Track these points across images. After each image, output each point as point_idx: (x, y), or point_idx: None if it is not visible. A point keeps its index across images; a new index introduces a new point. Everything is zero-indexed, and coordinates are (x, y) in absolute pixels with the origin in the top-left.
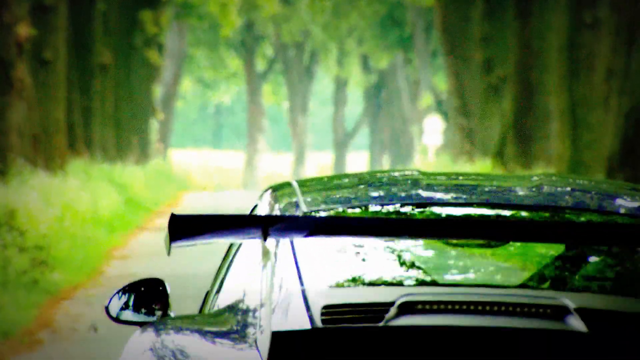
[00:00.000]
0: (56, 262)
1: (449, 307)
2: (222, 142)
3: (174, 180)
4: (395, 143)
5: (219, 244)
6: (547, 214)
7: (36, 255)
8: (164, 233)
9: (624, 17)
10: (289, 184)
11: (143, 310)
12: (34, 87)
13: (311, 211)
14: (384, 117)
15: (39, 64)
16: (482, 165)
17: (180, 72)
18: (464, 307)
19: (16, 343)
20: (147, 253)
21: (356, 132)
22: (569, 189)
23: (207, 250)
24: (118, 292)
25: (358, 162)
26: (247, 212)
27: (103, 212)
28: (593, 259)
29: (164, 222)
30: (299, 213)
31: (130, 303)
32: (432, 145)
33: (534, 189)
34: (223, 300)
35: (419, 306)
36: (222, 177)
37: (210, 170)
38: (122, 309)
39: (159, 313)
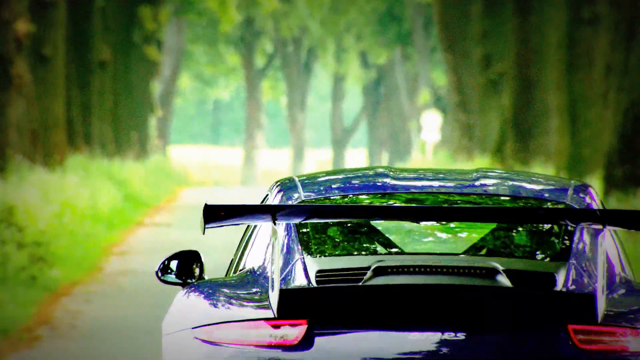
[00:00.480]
0: (55, 259)
1: (410, 270)
2: (220, 138)
3: (172, 176)
4: (394, 139)
5: (219, 242)
6: (478, 200)
7: (35, 251)
8: (162, 229)
9: (622, 13)
10: (291, 179)
11: (184, 274)
12: (33, 83)
13: (307, 200)
14: (383, 113)
15: (38, 60)
16: (481, 162)
17: (178, 68)
18: (421, 269)
19: (15, 340)
20: (146, 249)
21: (355, 129)
22: (496, 180)
23: (206, 250)
24: (164, 261)
25: (357, 158)
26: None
27: (102, 208)
28: (515, 232)
29: (163, 218)
30: (298, 202)
31: (174, 268)
32: (430, 141)
33: (471, 180)
34: (243, 267)
35: (388, 270)
36: (220, 173)
37: (209, 166)
38: (168, 273)
39: (196, 276)
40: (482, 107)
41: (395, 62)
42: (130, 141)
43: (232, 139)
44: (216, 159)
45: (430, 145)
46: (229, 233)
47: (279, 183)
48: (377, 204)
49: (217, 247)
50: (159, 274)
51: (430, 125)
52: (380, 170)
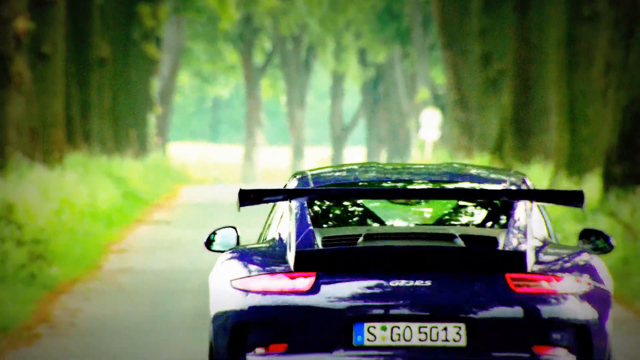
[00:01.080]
0: (54, 256)
1: (390, 236)
2: (219, 135)
3: (171, 174)
4: (393, 137)
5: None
6: (441, 185)
7: (34, 249)
8: (162, 227)
9: (622, 11)
10: (304, 172)
11: (225, 243)
12: (33, 80)
13: (316, 187)
14: (382, 111)
15: (37, 58)
16: (480, 160)
17: (178, 66)
18: (399, 235)
19: (14, 338)
20: (145, 247)
21: (354, 126)
22: (456, 170)
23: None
24: (210, 234)
25: (356, 156)
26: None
27: (101, 205)
28: (468, 208)
29: (162, 215)
30: (309, 187)
31: (217, 240)
32: (429, 139)
33: (437, 170)
34: (269, 235)
35: (374, 236)
36: (220, 170)
37: (208, 163)
38: (212, 243)
39: (233, 245)
40: (482, 105)
41: (394, 60)
42: (130, 139)
43: (231, 136)
44: (215, 157)
45: (429, 144)
46: None
47: (295, 175)
48: (366, 188)
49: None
50: (206, 245)
51: (429, 124)
52: (368, 165)
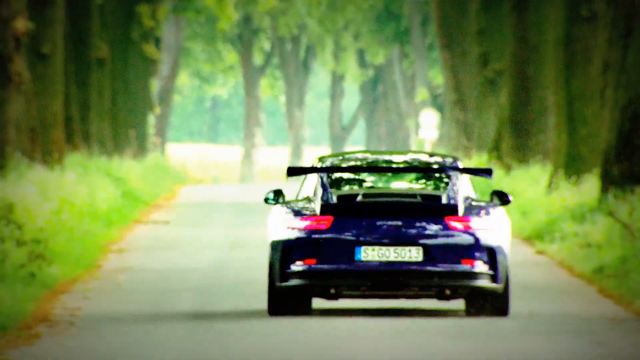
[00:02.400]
0: (54, 256)
1: (379, 196)
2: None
3: (170, 174)
4: (392, 137)
5: (217, 239)
6: (407, 164)
7: (34, 248)
8: (161, 226)
9: (620, 11)
10: (324, 156)
11: (276, 199)
12: (32, 80)
13: (329, 165)
14: (380, 111)
15: (36, 58)
16: (479, 159)
17: (177, 66)
18: (385, 195)
19: (14, 337)
20: (144, 246)
21: (353, 126)
22: (416, 154)
23: (202, 246)
24: (267, 194)
25: None
26: (246, 204)
27: (100, 205)
28: (424, 179)
29: (161, 215)
30: (326, 165)
31: (271, 197)
32: (428, 139)
33: (404, 155)
34: (302, 194)
35: (368, 195)
36: (219, 170)
37: (207, 163)
38: (268, 199)
39: (281, 200)
40: (480, 105)
41: (392, 60)
42: (129, 139)
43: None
44: (214, 156)
45: (427, 143)
46: (225, 231)
47: (319, 158)
48: (361, 166)
49: (213, 243)
50: (265, 200)
51: (428, 123)
52: (362, 152)
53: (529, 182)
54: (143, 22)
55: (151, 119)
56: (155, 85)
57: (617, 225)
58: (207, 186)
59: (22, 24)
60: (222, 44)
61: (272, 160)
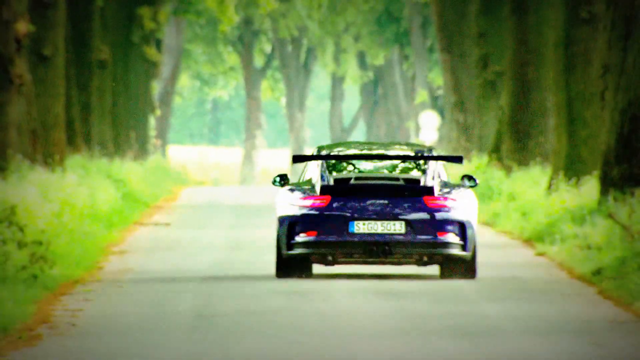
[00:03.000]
0: (55, 257)
1: (368, 179)
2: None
3: (171, 175)
4: (392, 138)
5: (218, 240)
6: (391, 152)
7: (35, 250)
8: (161, 228)
9: (619, 13)
10: (322, 146)
11: (282, 182)
12: (33, 82)
13: (327, 154)
14: (380, 113)
15: (38, 60)
16: (479, 161)
17: (178, 68)
18: (373, 179)
19: (15, 338)
20: (145, 248)
21: (353, 128)
22: (399, 145)
23: (203, 247)
24: (274, 177)
25: None
26: (246, 206)
27: (101, 207)
28: (406, 165)
29: (162, 217)
30: (324, 154)
31: (278, 180)
32: (428, 141)
33: (388, 145)
34: (305, 178)
35: (359, 178)
36: (219, 172)
37: (208, 165)
38: (275, 182)
39: (286, 182)
40: (480, 107)
41: (393, 62)
42: (130, 140)
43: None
44: (215, 158)
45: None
46: (226, 233)
47: (318, 147)
48: (353, 155)
49: (214, 245)
50: (272, 183)
51: (428, 125)
52: (355, 142)
53: (529, 184)
54: (144, 25)
55: (152, 121)
56: (156, 88)
57: (616, 227)
58: (207, 188)
59: (23, 26)
60: (223, 46)
61: (273, 162)
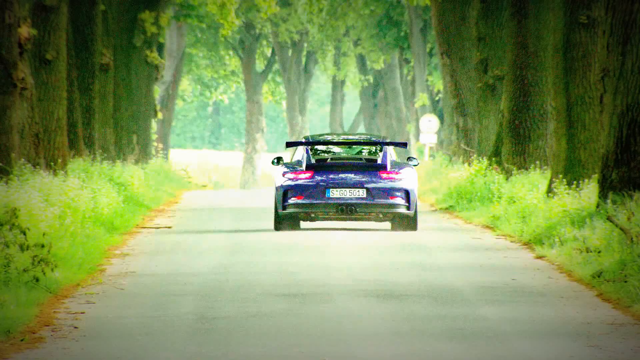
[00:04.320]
0: (57, 260)
1: (340, 159)
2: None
3: (173, 179)
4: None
5: (219, 244)
6: (359, 139)
7: (37, 253)
8: (163, 231)
9: (618, 17)
10: (307, 135)
11: (278, 162)
12: (36, 86)
13: (310, 141)
14: (381, 116)
15: (40, 64)
16: (479, 165)
17: (179, 72)
18: (343, 159)
19: (17, 341)
20: (147, 251)
21: (353, 131)
22: (368, 135)
23: (204, 251)
24: (273, 159)
25: None
26: (247, 209)
27: (103, 210)
28: (369, 150)
29: (163, 220)
30: (310, 140)
31: (276, 162)
32: (428, 144)
33: (358, 135)
34: (295, 158)
35: (334, 158)
36: (220, 175)
37: (209, 168)
38: (274, 162)
39: (281, 163)
40: (480, 111)
41: (393, 66)
42: (132, 144)
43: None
44: (216, 162)
45: (427, 148)
46: (227, 236)
47: (304, 137)
48: (332, 141)
49: (215, 248)
50: (271, 163)
51: (428, 129)
52: (331, 133)
53: (529, 187)
54: (146, 29)
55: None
56: (158, 91)
57: (615, 230)
58: (209, 191)
59: (26, 31)
60: (224, 50)
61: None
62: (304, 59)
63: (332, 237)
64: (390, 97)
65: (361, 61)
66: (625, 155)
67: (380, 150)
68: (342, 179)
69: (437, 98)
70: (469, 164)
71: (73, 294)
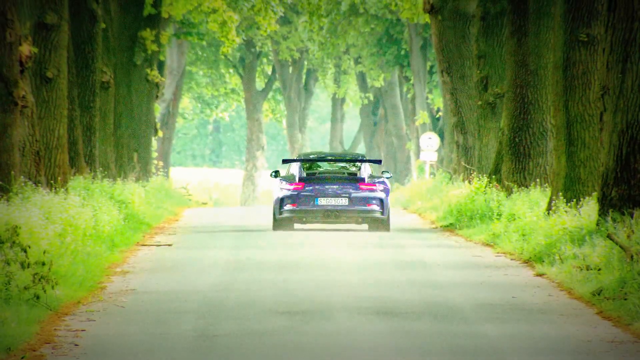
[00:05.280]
0: (58, 278)
1: (327, 173)
2: (221, 158)
3: (173, 196)
4: (392, 159)
5: (220, 261)
6: (342, 158)
7: (38, 271)
8: (163, 249)
9: (617, 35)
10: (300, 153)
11: (275, 175)
12: (37, 104)
13: (303, 159)
14: (381, 134)
15: (41, 82)
16: (479, 182)
17: (180, 90)
18: (329, 172)
19: (18, 358)
20: (148, 269)
21: (354, 149)
22: (348, 153)
23: (205, 268)
24: (272, 171)
25: None
26: (248, 226)
27: (104, 228)
28: (351, 166)
29: (164, 238)
30: (302, 158)
31: (273, 176)
32: (428, 161)
33: (342, 153)
34: (289, 172)
35: (322, 172)
36: (221, 193)
37: (210, 186)
38: (272, 175)
39: (278, 175)
40: (480, 129)
41: (393, 84)
42: (132, 162)
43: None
44: (217, 179)
45: (428, 166)
46: (228, 253)
47: (298, 154)
48: (317, 158)
49: (215, 265)
50: (270, 175)
51: (429, 146)
52: (319, 152)
53: (529, 205)
54: (146, 47)
55: (154, 143)
56: (159, 109)
57: (615, 248)
58: (209, 209)
59: (27, 49)
60: (225, 68)
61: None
62: (304, 77)
63: (332, 255)
64: (390, 115)
65: (361, 79)
66: (625, 173)
67: (359, 166)
68: (328, 189)
69: (437, 116)
70: (469, 182)
71: (74, 311)
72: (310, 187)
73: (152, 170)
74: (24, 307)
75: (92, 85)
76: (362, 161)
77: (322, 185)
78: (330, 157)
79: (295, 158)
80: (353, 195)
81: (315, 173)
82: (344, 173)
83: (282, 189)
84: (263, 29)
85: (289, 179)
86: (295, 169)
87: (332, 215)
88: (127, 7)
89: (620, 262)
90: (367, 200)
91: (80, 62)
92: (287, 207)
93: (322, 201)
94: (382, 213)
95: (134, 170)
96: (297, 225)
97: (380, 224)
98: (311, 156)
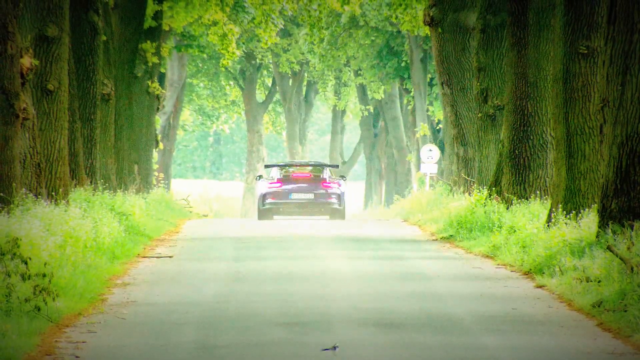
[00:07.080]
0: (58, 290)
1: (299, 177)
2: (221, 170)
3: (174, 208)
4: (392, 171)
5: (220, 273)
6: (310, 164)
7: (39, 282)
8: (164, 261)
9: (617, 48)
10: (279, 161)
11: (260, 178)
12: (37, 116)
13: (274, 166)
14: (381, 146)
15: (42, 94)
16: (479, 195)
17: (180, 102)
18: (301, 174)
19: None
20: (148, 280)
21: (353, 161)
22: (318, 162)
23: (205, 280)
24: (257, 175)
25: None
26: (248, 238)
27: (104, 240)
28: (317, 170)
29: (165, 250)
30: (280, 165)
31: (257, 179)
32: (428, 173)
33: (311, 161)
34: (270, 175)
35: (295, 174)
36: (221, 205)
37: (210, 198)
38: (255, 179)
39: (261, 177)
40: (480, 141)
41: (393, 95)
42: (133, 174)
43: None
44: (217, 191)
45: (428, 178)
46: (228, 265)
47: (277, 161)
48: (290, 165)
49: (216, 277)
50: (255, 178)
51: (429, 158)
52: (292, 161)
53: (529, 217)
54: (147, 59)
55: (155, 155)
56: (159, 121)
57: (615, 260)
58: (209, 221)
59: (28, 61)
60: (225, 80)
61: (258, 183)
62: (304, 89)
63: (332, 266)
64: (390, 127)
65: (362, 91)
66: (625, 185)
67: (323, 170)
68: (299, 187)
69: (437, 128)
70: (470, 194)
71: (74, 323)
72: (286, 185)
73: (152, 182)
74: (24, 318)
75: (93, 97)
76: (323, 166)
77: (295, 184)
78: (301, 163)
79: (275, 164)
80: (318, 191)
81: (290, 175)
82: (310, 175)
83: (265, 186)
84: (263, 41)
85: (270, 179)
86: (275, 172)
87: (302, 206)
88: (128, 19)
89: (620, 274)
90: (328, 196)
91: (81, 75)
92: (268, 200)
93: (295, 196)
94: (339, 205)
95: (135, 182)
96: (276, 217)
97: (338, 214)
98: (287, 162)
